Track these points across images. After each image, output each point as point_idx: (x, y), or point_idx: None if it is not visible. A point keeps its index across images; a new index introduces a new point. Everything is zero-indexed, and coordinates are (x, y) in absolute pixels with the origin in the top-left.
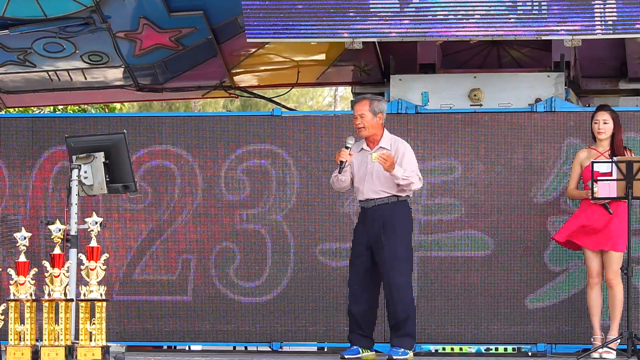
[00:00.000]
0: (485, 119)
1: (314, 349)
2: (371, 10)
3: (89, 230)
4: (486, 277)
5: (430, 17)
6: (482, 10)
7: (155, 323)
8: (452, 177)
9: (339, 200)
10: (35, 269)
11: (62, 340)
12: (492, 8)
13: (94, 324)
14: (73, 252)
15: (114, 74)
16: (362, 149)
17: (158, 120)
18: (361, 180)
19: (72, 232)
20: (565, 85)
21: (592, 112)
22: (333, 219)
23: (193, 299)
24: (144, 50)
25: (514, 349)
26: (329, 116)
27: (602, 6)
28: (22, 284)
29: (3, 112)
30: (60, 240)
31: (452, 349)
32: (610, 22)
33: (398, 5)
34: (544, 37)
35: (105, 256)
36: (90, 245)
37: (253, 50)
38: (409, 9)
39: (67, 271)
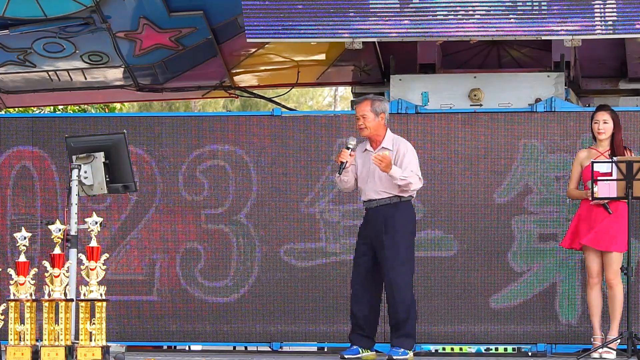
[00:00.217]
0: (485, 119)
1: (314, 349)
2: (371, 10)
3: (89, 230)
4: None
5: (430, 17)
6: (482, 10)
7: (155, 323)
8: None
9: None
10: (35, 269)
11: (62, 340)
12: (492, 8)
13: (94, 324)
14: (73, 252)
15: (114, 74)
16: (365, 149)
17: (158, 120)
18: (364, 181)
19: (72, 232)
20: (565, 85)
21: (592, 112)
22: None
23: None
24: (144, 50)
25: (514, 349)
26: (329, 116)
27: (602, 6)
28: (22, 284)
29: (3, 112)
30: (60, 240)
31: (452, 349)
32: (610, 22)
33: (398, 5)
34: (544, 37)
35: (105, 256)
36: (90, 245)
37: (253, 50)
38: (409, 9)
39: (67, 271)
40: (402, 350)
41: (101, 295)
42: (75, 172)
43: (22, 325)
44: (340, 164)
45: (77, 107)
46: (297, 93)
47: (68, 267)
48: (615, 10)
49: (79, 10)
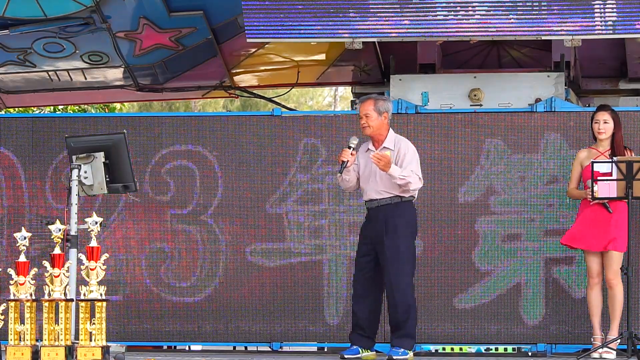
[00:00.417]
0: (485, 119)
1: (314, 349)
2: (371, 10)
3: (89, 230)
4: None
5: (430, 17)
6: (482, 10)
7: (155, 323)
8: None
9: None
10: (36, 269)
11: (62, 340)
12: (492, 8)
13: (94, 324)
14: (73, 252)
15: (114, 74)
16: (368, 149)
17: (158, 120)
18: (366, 181)
19: (72, 232)
20: (565, 85)
21: (592, 112)
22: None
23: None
24: (144, 50)
25: (514, 349)
26: (329, 116)
27: (602, 6)
28: (22, 284)
29: (3, 112)
30: (60, 240)
31: (452, 349)
32: (610, 22)
33: (398, 5)
34: (544, 37)
35: (105, 256)
36: (90, 245)
37: (253, 50)
38: (409, 9)
39: (67, 271)
40: (402, 350)
41: (101, 295)
42: (75, 172)
43: (22, 325)
44: (342, 163)
45: (77, 107)
46: (297, 93)
47: (68, 267)
48: (615, 10)
49: (79, 10)
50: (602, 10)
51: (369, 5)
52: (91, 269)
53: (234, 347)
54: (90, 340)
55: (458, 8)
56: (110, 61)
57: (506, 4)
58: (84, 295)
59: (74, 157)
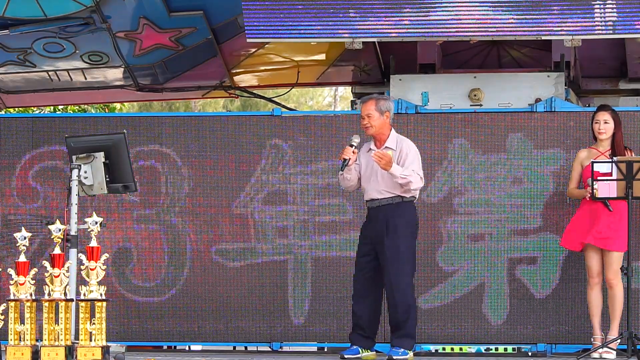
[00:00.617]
0: (485, 119)
1: (314, 349)
2: (371, 10)
3: (89, 230)
4: None
5: (430, 17)
6: (482, 10)
7: (155, 323)
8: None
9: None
10: (35, 269)
11: (62, 340)
12: (492, 8)
13: (94, 324)
14: (73, 252)
15: (114, 74)
16: (369, 148)
17: (158, 120)
18: (367, 180)
19: (72, 232)
20: (565, 85)
21: (592, 112)
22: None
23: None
24: (144, 50)
25: (514, 349)
26: (329, 116)
27: (602, 6)
28: (22, 284)
29: (3, 112)
30: (60, 240)
31: (452, 349)
32: (610, 22)
33: (398, 6)
34: (544, 37)
35: (105, 256)
36: (90, 245)
37: (253, 50)
38: (409, 9)
39: (67, 271)
40: (402, 350)
41: (101, 295)
42: (75, 172)
43: (22, 325)
44: (343, 161)
45: (77, 107)
46: (297, 93)
47: (68, 267)
48: (615, 10)
49: (79, 10)
50: (602, 10)
51: (369, 5)
52: (91, 269)
53: (234, 347)
54: (90, 340)
55: (458, 8)
56: (110, 61)
57: (506, 4)
58: (84, 295)
59: (74, 157)
